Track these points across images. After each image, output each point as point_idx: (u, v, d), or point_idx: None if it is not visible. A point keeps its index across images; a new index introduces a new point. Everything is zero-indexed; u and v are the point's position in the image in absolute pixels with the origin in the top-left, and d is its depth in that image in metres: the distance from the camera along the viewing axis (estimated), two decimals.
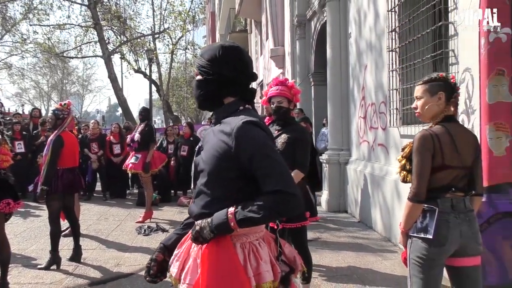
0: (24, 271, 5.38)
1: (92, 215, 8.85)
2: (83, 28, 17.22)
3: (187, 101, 39.00)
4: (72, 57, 20.18)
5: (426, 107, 2.78)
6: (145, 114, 8.41)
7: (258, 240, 1.95)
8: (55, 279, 5.12)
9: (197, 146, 2.06)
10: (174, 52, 24.81)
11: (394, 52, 6.06)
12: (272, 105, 4.05)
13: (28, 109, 44.79)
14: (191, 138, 10.66)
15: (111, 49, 16.41)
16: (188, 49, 23.99)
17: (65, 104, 5.68)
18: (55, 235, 5.56)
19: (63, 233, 7.00)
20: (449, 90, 2.73)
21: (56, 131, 5.52)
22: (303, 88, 11.80)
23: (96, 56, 19.24)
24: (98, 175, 11.08)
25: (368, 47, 7.20)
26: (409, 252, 2.69)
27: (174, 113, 28.95)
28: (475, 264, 2.67)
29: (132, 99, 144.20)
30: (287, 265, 2.01)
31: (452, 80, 2.76)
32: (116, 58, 21.99)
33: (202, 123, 19.53)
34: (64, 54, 19.19)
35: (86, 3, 15.92)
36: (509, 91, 4.14)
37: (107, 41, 15.01)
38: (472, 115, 4.36)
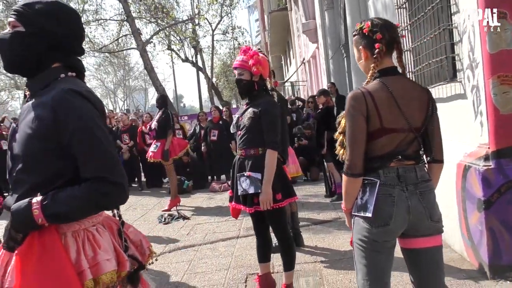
0: None
1: (121, 206, 8.84)
2: (117, 22, 17.45)
3: None
4: (110, 52, 20.55)
5: (358, 63, 2.34)
6: (162, 101, 8.25)
7: (96, 225, 1.67)
8: None
9: (11, 129, 1.75)
10: (218, 38, 24.71)
11: (403, 9, 5.44)
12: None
13: None
14: (220, 122, 10.42)
15: (145, 40, 16.48)
16: (228, 33, 23.74)
17: None
18: None
19: None
20: (367, 41, 2.26)
21: None
22: (336, 61, 11.22)
23: (131, 48, 19.46)
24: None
25: (383, 7, 6.57)
26: (353, 234, 2.27)
27: (225, 99, 28.94)
28: (432, 245, 2.20)
29: (184, 88, 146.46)
30: (136, 260, 1.69)
31: (365, 30, 2.27)
32: (153, 49, 22.08)
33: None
34: (103, 50, 19.56)
35: None
36: None
37: (140, 33, 15.03)
38: (476, 69, 3.76)
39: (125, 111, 38.66)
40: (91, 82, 44.82)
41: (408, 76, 5.55)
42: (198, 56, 24.30)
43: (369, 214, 2.13)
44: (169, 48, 22.41)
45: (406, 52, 5.48)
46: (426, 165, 2.30)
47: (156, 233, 6.59)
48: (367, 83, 2.25)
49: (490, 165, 3.62)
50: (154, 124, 8.01)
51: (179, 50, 23.32)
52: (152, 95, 53.74)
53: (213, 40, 23.39)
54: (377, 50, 2.22)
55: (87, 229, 1.64)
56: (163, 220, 7.26)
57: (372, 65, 2.24)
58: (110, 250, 1.64)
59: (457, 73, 4.19)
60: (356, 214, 2.21)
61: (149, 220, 7.46)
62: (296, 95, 19.94)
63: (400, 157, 2.18)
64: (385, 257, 2.18)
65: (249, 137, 3.58)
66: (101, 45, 19.02)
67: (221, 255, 5.23)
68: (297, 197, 3.74)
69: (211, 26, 22.69)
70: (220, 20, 22.88)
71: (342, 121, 2.31)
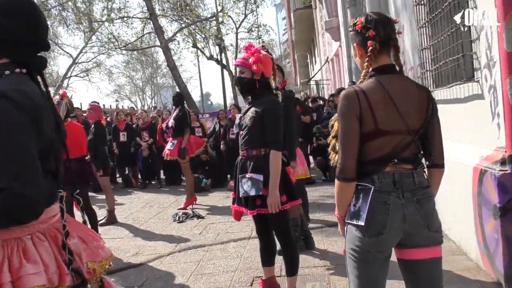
0: None
1: (138, 203, 8.89)
2: (141, 19, 17.56)
3: None
4: (134, 49, 20.72)
5: (355, 61, 2.22)
6: (178, 99, 8.21)
7: (32, 235, 1.56)
8: None
9: None
10: (243, 37, 24.63)
11: (421, 6, 5.23)
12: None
13: (127, 104, 47.25)
14: None
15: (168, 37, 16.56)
16: (253, 31, 23.61)
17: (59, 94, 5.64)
18: None
19: (100, 222, 7.05)
20: (361, 38, 2.12)
21: None
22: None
23: (154, 46, 19.53)
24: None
25: (403, 4, 6.36)
26: (345, 243, 2.14)
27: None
28: (429, 256, 2.05)
29: (212, 86, 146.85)
30: (79, 275, 1.60)
31: (357, 26, 2.14)
32: (177, 46, 22.07)
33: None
34: (127, 47, 19.74)
35: None
36: None
37: (162, 30, 15.09)
38: (493, 69, 3.56)
39: (152, 108, 38.95)
40: (120, 79, 45.33)
41: (426, 75, 5.39)
42: (223, 54, 24.27)
43: (361, 223, 2.00)
44: (194, 46, 22.45)
45: (424, 50, 5.28)
46: (426, 170, 2.15)
47: (169, 232, 6.54)
48: (360, 82, 2.12)
49: (507, 170, 3.43)
50: (171, 122, 7.98)
51: (203, 48, 23.33)
52: None
53: (237, 38, 23.34)
54: (370, 48, 2.09)
55: (21, 238, 1.54)
56: (177, 218, 7.22)
57: (366, 63, 2.11)
58: (49, 263, 1.54)
59: (475, 73, 3.99)
60: (348, 221, 2.09)
61: (163, 218, 7.43)
62: (319, 94, 19.70)
63: (396, 160, 2.04)
64: (378, 268, 2.05)
65: (251, 138, 3.48)
66: (125, 42, 19.18)
67: (230, 256, 5.15)
68: (300, 200, 3.61)
69: (235, 24, 22.64)
70: (244, 18, 22.83)
71: (335, 124, 2.18)
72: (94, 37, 25.51)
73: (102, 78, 45.65)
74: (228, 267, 4.75)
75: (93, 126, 7.43)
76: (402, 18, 6.42)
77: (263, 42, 23.14)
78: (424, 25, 5.13)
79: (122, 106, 41.96)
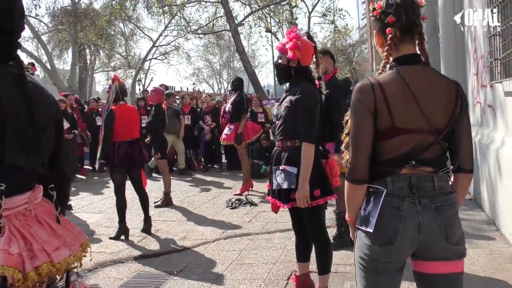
0: (95, 241, 5.56)
1: (196, 187, 8.98)
2: (212, 3, 17.65)
3: (341, 69, 37.90)
4: (205, 33, 20.90)
5: (377, 50, 1.99)
6: (237, 84, 8.15)
7: None
8: (116, 249, 5.21)
9: None
10: (318, 21, 24.11)
11: None
12: None
13: (205, 87, 48.21)
14: None
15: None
16: (327, 16, 22.94)
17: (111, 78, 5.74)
18: (120, 206, 5.65)
19: (155, 204, 7.21)
20: (380, 24, 1.88)
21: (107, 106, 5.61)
22: (431, 45, 10.33)
23: (223, 30, 19.55)
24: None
25: None
26: (354, 249, 1.94)
27: None
28: (447, 271, 1.81)
29: None
30: None
31: (376, 12, 1.89)
32: (249, 31, 22.00)
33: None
34: (198, 31, 19.95)
35: None
36: None
37: (231, 14, 15.07)
38: None
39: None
40: (198, 62, 46.33)
41: (491, 64, 4.90)
42: None
43: (370, 229, 1.80)
44: (268, 30, 22.31)
45: (493, 37, 4.81)
46: (451, 175, 1.90)
47: (220, 217, 6.54)
48: (379, 74, 1.90)
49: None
50: (228, 107, 7.95)
51: (276, 33, 23.12)
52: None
53: (309, 23, 22.85)
54: (389, 35, 1.85)
55: None
56: (230, 204, 7.21)
57: (385, 53, 1.88)
58: None
59: None
60: (358, 227, 1.89)
61: (217, 204, 7.44)
62: None
63: (414, 162, 1.81)
64: (388, 279, 1.84)
65: (286, 128, 3.33)
66: (199, 25, 19.38)
67: (273, 247, 5.03)
68: (335, 195, 3.40)
69: (307, 8, 22.17)
70: (317, 2, 22.29)
71: (350, 120, 1.97)
72: (173, 21, 26.14)
73: (180, 61, 46.81)
74: (269, 259, 4.64)
75: (153, 108, 7.57)
76: (474, 1, 5.90)
77: (336, 27, 22.50)
78: (495, 7, 4.66)
79: (198, 89, 43.07)
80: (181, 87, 40.72)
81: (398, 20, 1.84)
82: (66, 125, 9.35)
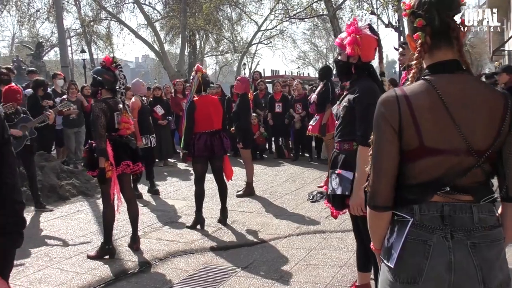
0: (171, 229, 5.74)
1: (281, 177, 8.89)
2: None
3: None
4: (302, 18, 20.49)
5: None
6: (324, 72, 7.88)
7: None
8: (189, 239, 5.32)
9: None
10: None
11: None
12: None
13: (312, 71, 48.08)
14: None
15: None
16: None
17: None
18: (198, 196, 5.76)
19: (237, 193, 7.27)
20: (411, 26, 1.60)
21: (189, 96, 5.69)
22: None
23: (321, 15, 18.98)
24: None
25: None
26: (378, 282, 1.72)
27: None
28: None
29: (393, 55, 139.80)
30: None
31: (404, 14, 1.61)
32: (350, 14, 21.09)
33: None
34: (296, 16, 19.59)
35: None
36: None
37: None
38: None
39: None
40: (305, 46, 46.14)
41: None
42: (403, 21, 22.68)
43: (391, 264, 1.58)
44: (372, 13, 21.40)
45: None
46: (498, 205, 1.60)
47: (298, 211, 6.42)
48: (409, 84, 1.63)
49: None
50: (313, 97, 7.74)
51: (380, 15, 22.10)
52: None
53: None
54: (418, 41, 1.58)
55: None
56: (311, 198, 7.04)
57: (415, 60, 1.61)
58: None
59: None
60: (382, 258, 1.67)
61: (299, 196, 7.30)
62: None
63: (448, 189, 1.54)
64: None
65: (344, 129, 3.11)
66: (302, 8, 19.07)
67: (345, 248, 4.81)
68: None
69: None
70: None
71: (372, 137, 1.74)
72: (280, 5, 26.08)
73: (285, 45, 46.67)
74: (337, 261, 4.44)
75: (238, 98, 7.59)
76: None
77: None
78: None
79: (303, 73, 42.84)
80: (285, 71, 40.75)
81: (429, 23, 1.56)
82: (161, 111, 9.78)
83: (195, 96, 5.65)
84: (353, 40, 2.96)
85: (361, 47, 2.98)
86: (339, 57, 3.14)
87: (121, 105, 4.74)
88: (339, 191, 3.05)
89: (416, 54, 1.60)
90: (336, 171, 3.11)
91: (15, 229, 1.64)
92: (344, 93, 3.21)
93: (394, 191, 1.61)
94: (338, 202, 3.11)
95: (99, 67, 4.87)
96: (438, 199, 1.56)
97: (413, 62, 1.63)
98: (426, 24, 1.56)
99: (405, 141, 1.56)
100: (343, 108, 3.08)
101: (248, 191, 7.36)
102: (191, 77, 5.99)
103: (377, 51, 3.13)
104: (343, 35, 3.14)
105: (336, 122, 3.25)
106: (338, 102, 3.28)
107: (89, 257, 4.66)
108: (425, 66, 1.63)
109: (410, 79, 1.64)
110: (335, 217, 3.44)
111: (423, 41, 1.57)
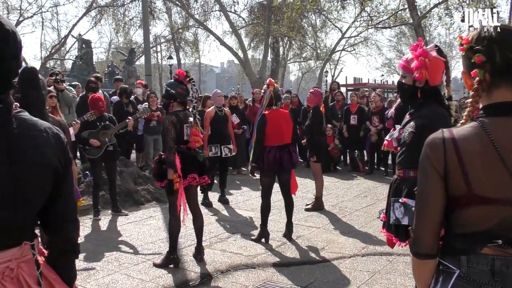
0: (236, 240, 5.80)
1: (353, 191, 8.70)
2: None
3: None
4: (386, 27, 19.87)
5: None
6: None
7: None
8: (253, 252, 5.35)
9: None
10: None
11: None
12: None
13: (394, 79, 46.97)
14: None
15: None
16: None
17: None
18: (264, 209, 5.78)
19: (306, 207, 7.23)
20: (467, 63, 1.48)
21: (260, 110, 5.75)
22: None
23: (405, 23, 18.30)
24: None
25: None
26: None
27: None
28: None
29: None
30: None
31: (460, 49, 1.47)
32: (438, 22, 20.22)
33: None
34: (379, 25, 19.08)
35: None
36: None
37: (414, 6, 14.03)
38: None
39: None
40: (390, 53, 45.24)
41: None
42: None
43: None
44: (462, 20, 20.43)
45: None
46: None
47: (366, 229, 6.24)
48: (461, 125, 1.54)
49: None
50: (391, 112, 7.50)
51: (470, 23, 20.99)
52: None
53: None
54: (476, 79, 1.48)
55: None
56: (381, 216, 6.79)
57: (470, 99, 1.51)
58: None
59: None
60: None
61: (369, 213, 7.11)
62: None
63: (501, 242, 1.43)
64: None
65: (409, 156, 2.99)
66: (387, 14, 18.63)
67: (411, 273, 4.54)
68: None
69: None
70: None
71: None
72: (365, 12, 25.72)
73: (369, 52, 45.75)
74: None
75: (311, 111, 7.54)
76: None
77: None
78: None
79: (387, 81, 41.75)
80: (368, 79, 39.95)
81: (489, 60, 1.46)
82: (236, 120, 9.95)
83: (266, 110, 5.70)
84: (422, 64, 2.85)
85: (429, 70, 2.86)
86: (403, 80, 3.03)
87: (191, 118, 4.87)
88: (404, 221, 2.93)
89: (473, 92, 1.50)
90: (400, 200, 2.99)
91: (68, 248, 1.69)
92: (408, 118, 3.08)
93: (438, 238, 1.53)
94: (403, 233, 2.99)
95: (172, 80, 5.06)
96: (489, 252, 1.45)
97: (469, 100, 1.53)
98: (486, 61, 1.46)
99: (452, 187, 1.47)
100: (409, 134, 2.96)
101: (317, 205, 7.28)
102: (262, 91, 6.05)
103: (444, 74, 2.99)
104: (408, 56, 3.02)
105: (398, 148, 3.13)
106: (400, 127, 3.16)
107: (155, 264, 4.83)
108: (480, 106, 1.53)
109: (464, 118, 1.54)
110: (392, 247, 3.31)
111: (482, 79, 1.47)
